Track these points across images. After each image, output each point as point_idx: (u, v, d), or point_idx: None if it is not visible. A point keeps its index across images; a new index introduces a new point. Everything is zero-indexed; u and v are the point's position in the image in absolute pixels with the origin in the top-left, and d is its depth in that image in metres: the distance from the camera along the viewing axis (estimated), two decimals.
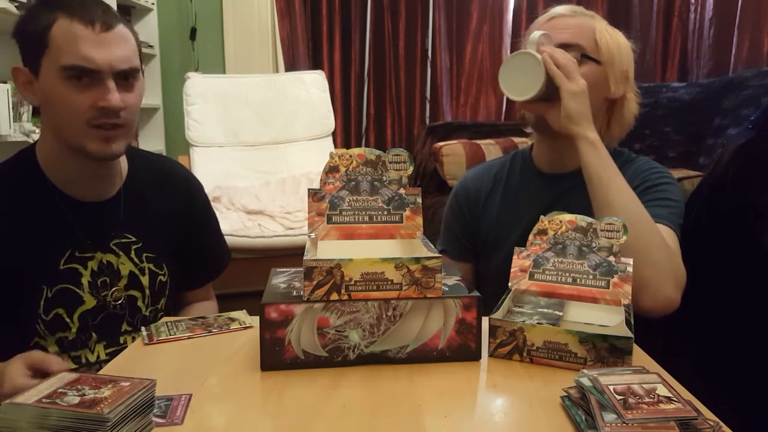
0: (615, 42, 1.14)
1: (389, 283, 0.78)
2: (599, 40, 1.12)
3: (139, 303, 1.10)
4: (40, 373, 0.87)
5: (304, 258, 0.77)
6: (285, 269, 0.93)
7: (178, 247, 1.16)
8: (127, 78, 0.98)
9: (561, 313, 0.87)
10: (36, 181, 1.02)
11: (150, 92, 3.41)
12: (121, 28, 0.97)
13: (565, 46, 1.10)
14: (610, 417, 0.60)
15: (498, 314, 0.84)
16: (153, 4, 3.37)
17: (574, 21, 1.14)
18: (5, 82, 2.25)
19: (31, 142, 2.14)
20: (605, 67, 1.12)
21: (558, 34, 1.12)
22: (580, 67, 1.08)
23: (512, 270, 0.93)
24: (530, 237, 0.93)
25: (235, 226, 2.23)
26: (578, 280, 0.89)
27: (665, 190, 1.10)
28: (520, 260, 0.93)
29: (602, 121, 1.16)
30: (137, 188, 1.11)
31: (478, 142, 2.94)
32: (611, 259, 0.88)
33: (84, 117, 0.95)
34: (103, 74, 0.94)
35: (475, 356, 0.81)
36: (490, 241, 1.21)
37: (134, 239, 1.09)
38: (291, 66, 3.43)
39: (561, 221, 0.91)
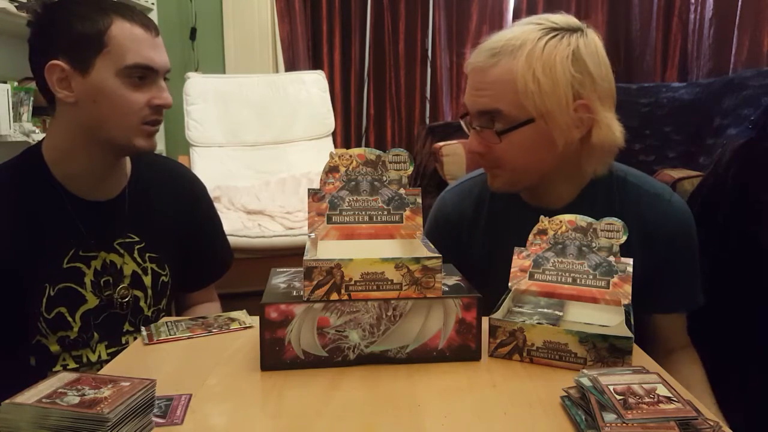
0: (548, 84, 0.91)
1: (389, 283, 0.78)
2: (523, 95, 0.91)
3: (142, 303, 1.10)
4: None
5: (304, 258, 0.77)
6: (285, 269, 0.93)
7: (181, 247, 1.16)
8: (165, 80, 1.05)
9: (561, 313, 0.87)
10: (42, 179, 1.03)
11: None
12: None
13: (484, 114, 0.96)
14: (610, 417, 0.60)
15: (498, 314, 0.84)
16: (153, 4, 3.37)
17: (493, 75, 0.93)
18: (5, 82, 2.25)
19: (32, 142, 2.14)
20: (542, 121, 0.93)
21: (475, 98, 0.96)
22: (501, 141, 0.95)
23: (512, 270, 0.93)
24: (530, 237, 0.93)
25: (235, 226, 2.24)
26: (578, 280, 0.89)
27: (689, 257, 1.02)
28: (520, 260, 0.93)
29: (568, 168, 1.00)
30: (141, 188, 1.12)
31: None
32: (611, 259, 0.88)
33: (139, 114, 1.00)
34: (158, 75, 1.02)
35: (475, 356, 0.81)
36: (476, 273, 1.01)
37: (138, 239, 1.09)
38: (291, 66, 3.43)
39: (561, 221, 0.91)
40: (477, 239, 1.11)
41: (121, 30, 0.97)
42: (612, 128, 0.96)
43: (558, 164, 0.98)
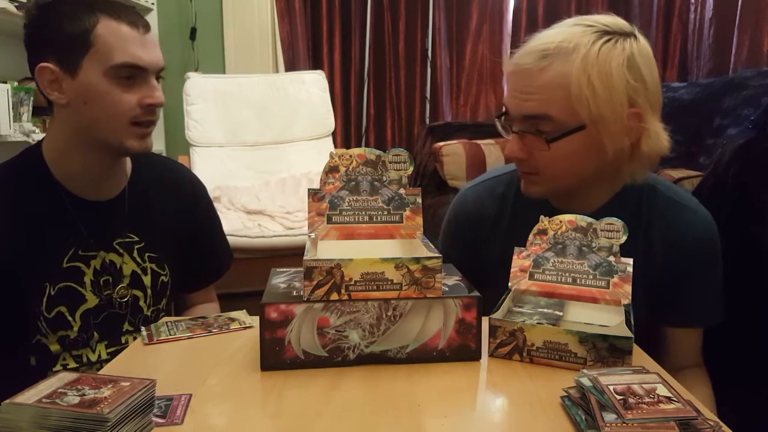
0: (604, 90, 0.87)
1: (389, 283, 0.78)
2: (577, 101, 0.88)
3: (141, 303, 1.10)
4: None
5: (304, 258, 0.77)
6: (285, 269, 0.93)
7: (181, 248, 1.16)
8: (158, 78, 1.02)
9: (561, 313, 0.87)
10: (41, 179, 1.03)
11: None
12: (151, 31, 1.02)
13: (530, 119, 0.92)
14: (610, 417, 0.60)
15: (498, 314, 0.84)
16: (153, 4, 3.37)
17: (543, 78, 0.89)
18: (5, 82, 2.25)
19: (32, 142, 2.14)
20: (593, 128, 0.90)
21: (521, 102, 0.92)
22: (550, 148, 0.91)
23: (512, 270, 0.93)
24: (530, 237, 0.93)
25: (235, 226, 2.23)
26: (578, 280, 0.89)
27: (713, 270, 1.00)
28: (520, 260, 0.93)
29: (607, 175, 0.98)
30: (141, 188, 1.12)
31: (478, 142, 2.94)
32: (611, 259, 0.88)
33: (129, 114, 0.98)
34: (148, 73, 0.99)
35: (475, 356, 0.81)
36: (491, 273, 1.01)
37: (137, 239, 1.10)
38: (291, 66, 3.43)
39: (561, 221, 0.91)
40: (497, 239, 1.07)
41: (107, 29, 0.96)
42: (660, 137, 0.94)
43: (599, 171, 0.96)
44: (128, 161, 1.12)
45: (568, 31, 0.91)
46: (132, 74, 0.97)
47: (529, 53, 0.91)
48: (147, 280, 1.10)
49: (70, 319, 1.03)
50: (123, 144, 1.00)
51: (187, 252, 1.17)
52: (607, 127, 0.90)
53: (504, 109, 0.98)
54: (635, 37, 0.92)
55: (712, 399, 0.98)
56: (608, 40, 0.90)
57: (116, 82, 0.97)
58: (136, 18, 0.99)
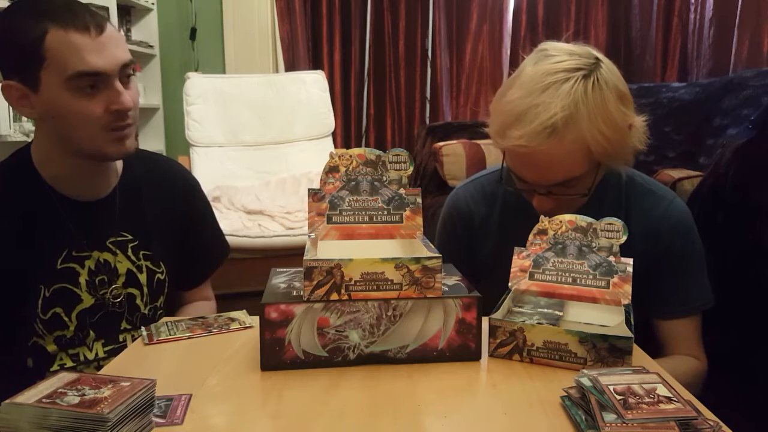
0: (613, 132, 0.92)
1: (389, 283, 0.78)
2: (597, 153, 0.93)
3: (138, 301, 1.10)
4: None
5: (304, 258, 0.77)
6: (285, 269, 0.93)
7: (176, 244, 1.16)
8: (127, 75, 0.99)
9: (561, 313, 0.87)
10: (31, 181, 1.02)
11: (150, 92, 3.42)
12: (110, 28, 0.97)
13: (558, 185, 0.97)
14: (610, 417, 0.60)
15: (498, 314, 0.84)
16: (153, 4, 3.37)
17: (562, 151, 0.92)
18: None
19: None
20: (607, 159, 0.96)
21: (545, 175, 0.96)
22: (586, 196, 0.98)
23: (512, 270, 0.93)
24: (530, 237, 0.93)
25: (235, 226, 2.23)
26: (578, 280, 0.89)
27: (691, 256, 1.03)
28: (520, 260, 0.93)
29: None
30: (132, 186, 1.11)
31: (478, 142, 2.94)
32: (611, 259, 0.88)
33: (99, 123, 0.95)
34: (110, 77, 0.95)
35: (475, 356, 0.81)
36: (486, 269, 1.08)
37: (131, 237, 1.09)
38: (291, 66, 3.43)
39: (561, 221, 0.91)
40: (490, 236, 1.12)
41: (56, 39, 0.91)
42: (641, 126, 0.99)
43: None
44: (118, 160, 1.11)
45: (556, 94, 0.91)
46: (92, 82, 0.93)
47: (536, 133, 0.91)
48: (143, 278, 1.10)
49: (66, 319, 1.03)
50: (101, 151, 0.98)
51: (181, 247, 1.17)
52: (619, 154, 0.97)
53: (517, 174, 1.00)
54: (600, 60, 0.95)
55: (687, 378, 0.95)
56: (593, 83, 0.92)
57: (78, 92, 0.93)
58: (86, 20, 0.93)
